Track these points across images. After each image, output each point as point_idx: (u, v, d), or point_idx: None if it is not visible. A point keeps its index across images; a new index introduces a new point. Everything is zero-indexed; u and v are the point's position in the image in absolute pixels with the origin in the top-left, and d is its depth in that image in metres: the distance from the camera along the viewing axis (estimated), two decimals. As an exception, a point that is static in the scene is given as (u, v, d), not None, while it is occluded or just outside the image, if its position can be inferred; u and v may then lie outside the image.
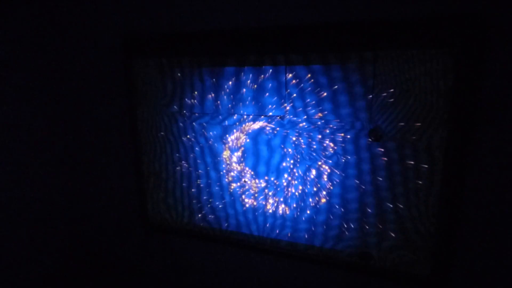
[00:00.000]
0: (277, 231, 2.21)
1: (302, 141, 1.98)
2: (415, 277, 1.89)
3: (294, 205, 2.11)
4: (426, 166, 1.71)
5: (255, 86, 2.02)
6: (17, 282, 2.48)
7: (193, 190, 2.41)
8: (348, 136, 1.85)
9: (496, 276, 1.72)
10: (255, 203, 2.23)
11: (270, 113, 2.02)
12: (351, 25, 1.69)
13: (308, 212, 2.08)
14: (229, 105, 2.12)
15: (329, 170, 1.95)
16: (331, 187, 1.97)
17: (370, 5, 1.64)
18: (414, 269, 1.89)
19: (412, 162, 1.74)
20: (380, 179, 1.83)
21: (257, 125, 2.09)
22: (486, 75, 1.51)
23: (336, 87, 1.81)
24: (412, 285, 1.91)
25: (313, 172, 2.00)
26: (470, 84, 1.52)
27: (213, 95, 2.15)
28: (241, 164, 2.21)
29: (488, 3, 1.44)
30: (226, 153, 2.23)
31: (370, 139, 1.80)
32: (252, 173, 2.19)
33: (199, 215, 2.44)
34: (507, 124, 1.52)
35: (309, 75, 1.87)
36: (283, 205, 2.15)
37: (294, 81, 1.91)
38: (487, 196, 1.64)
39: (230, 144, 2.20)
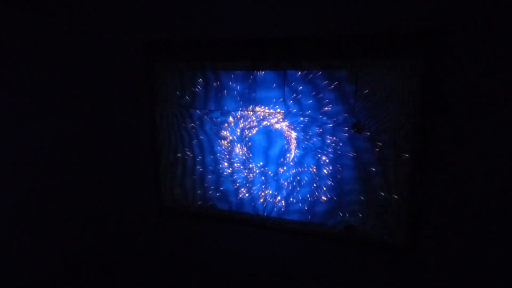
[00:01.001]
0: (276, 211, 2.59)
1: (296, 133, 2.37)
2: (391, 245, 2.28)
3: (290, 187, 2.50)
4: (398, 151, 2.11)
5: (259, 86, 2.40)
6: (46, 261, 2.85)
7: (202, 176, 2.78)
8: (336, 129, 2.25)
9: (459, 244, 2.12)
10: (254, 188, 2.62)
11: (271, 110, 2.41)
12: (338, 38, 2.08)
13: (303, 192, 2.47)
14: (236, 103, 2.51)
15: (321, 157, 2.35)
16: (325, 171, 2.36)
17: (352, 23, 2.04)
18: (390, 238, 2.28)
19: (388, 149, 2.14)
20: (362, 163, 2.23)
21: (260, 120, 2.47)
22: (444, 79, 1.91)
23: (326, 89, 2.21)
24: (388, 252, 2.30)
25: (309, 158, 2.39)
26: (431, 86, 1.93)
27: (223, 93, 2.53)
28: (247, 153, 2.60)
29: (445, 22, 1.85)
30: (229, 144, 2.62)
31: (353, 131, 2.19)
32: (253, 161, 2.58)
33: (209, 199, 2.81)
34: (461, 117, 1.93)
35: (304, 78, 2.26)
36: (282, 185, 2.54)
37: (292, 83, 2.30)
38: (448, 175, 2.04)
39: (237, 135, 2.58)
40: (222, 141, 2.65)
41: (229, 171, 2.69)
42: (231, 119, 2.57)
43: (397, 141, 2.10)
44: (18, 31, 2.44)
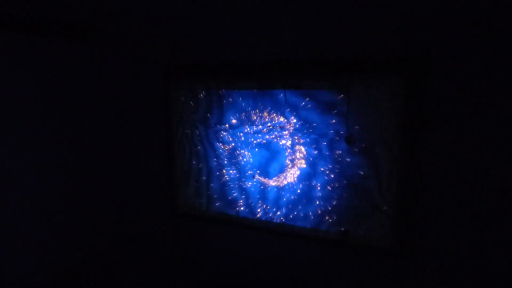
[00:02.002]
0: (280, 216, 2.84)
1: (296, 145, 2.64)
2: (383, 248, 2.47)
3: (292, 197, 2.75)
4: (386, 160, 2.34)
5: (263, 104, 2.70)
6: (67, 259, 3.18)
7: (213, 184, 3.07)
8: (330, 142, 2.50)
9: (447, 246, 2.29)
10: (259, 196, 2.88)
11: (275, 125, 2.69)
12: (332, 62, 2.37)
13: (302, 200, 2.71)
14: (242, 118, 2.81)
15: (318, 168, 2.60)
16: (321, 182, 2.61)
17: (345, 50, 2.32)
18: (381, 243, 2.47)
19: (378, 159, 2.37)
20: (354, 173, 2.46)
21: (264, 134, 2.76)
22: (423, 97, 2.15)
23: (322, 106, 2.48)
24: (380, 255, 2.50)
25: (307, 168, 2.65)
26: (412, 104, 2.17)
27: (233, 110, 2.84)
28: (253, 163, 2.88)
29: (424, 50, 2.11)
30: (238, 155, 2.90)
31: (347, 143, 2.44)
32: (258, 171, 2.85)
33: (219, 205, 3.09)
34: (441, 129, 2.16)
35: (303, 97, 2.54)
36: (283, 193, 2.79)
37: (292, 102, 2.59)
38: (435, 185, 2.25)
39: (244, 148, 2.87)
40: (231, 152, 2.94)
41: (237, 180, 2.96)
42: (239, 133, 2.86)
43: (385, 151, 2.33)
44: (51, 55, 2.90)
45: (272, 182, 2.81)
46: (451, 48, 2.07)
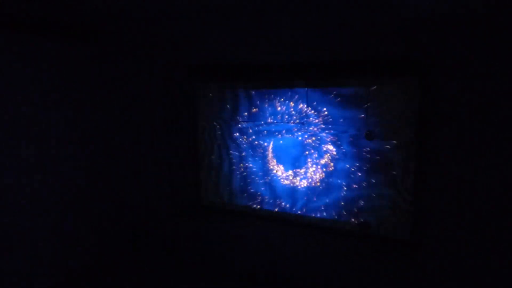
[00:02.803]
0: (301, 208, 2.99)
1: (318, 141, 2.81)
2: (399, 240, 2.60)
3: (313, 187, 2.90)
4: (403, 155, 2.49)
5: (286, 102, 2.89)
6: (97, 249, 3.40)
7: (236, 178, 3.25)
8: (350, 137, 2.67)
9: (460, 238, 2.41)
10: (283, 186, 3.04)
11: (294, 122, 2.87)
12: (352, 62, 2.56)
13: (323, 192, 2.86)
14: (266, 115, 3.00)
15: (340, 162, 2.76)
16: (341, 176, 2.77)
17: (365, 51, 2.51)
18: (397, 234, 2.60)
19: (395, 153, 2.52)
20: (371, 168, 2.61)
21: (287, 130, 2.94)
22: (434, 95, 2.31)
23: (344, 104, 2.65)
24: (396, 245, 2.62)
25: (327, 162, 2.81)
26: (427, 103, 2.33)
27: (256, 108, 3.03)
28: (273, 159, 3.05)
29: (437, 52, 2.27)
30: (261, 150, 3.08)
31: (366, 138, 2.60)
32: (282, 166, 3.02)
33: (242, 198, 3.26)
34: (450, 127, 2.31)
35: (325, 95, 2.73)
36: (304, 186, 2.95)
37: (314, 100, 2.77)
38: (446, 178, 2.39)
39: (268, 144, 3.05)
40: (254, 146, 3.12)
41: (260, 173, 3.13)
42: (262, 129, 3.05)
43: (402, 146, 2.48)
44: (82, 56, 3.12)
45: (294, 175, 2.98)
46: (463, 51, 2.23)
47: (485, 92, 2.21)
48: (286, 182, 3.02)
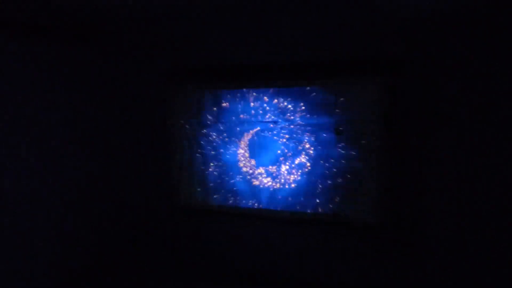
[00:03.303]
0: (277, 204, 3.15)
1: (290, 137, 2.98)
2: (369, 225, 2.86)
3: (287, 185, 3.08)
4: (370, 148, 2.73)
5: (259, 101, 3.02)
6: (71, 258, 3.32)
7: (211, 178, 3.34)
8: (321, 133, 2.87)
9: (423, 222, 2.71)
10: (257, 184, 3.18)
11: (270, 119, 3.01)
12: (324, 62, 2.75)
13: (297, 187, 3.05)
14: (239, 115, 3.11)
15: (308, 156, 2.95)
16: (311, 168, 2.96)
17: (334, 52, 2.70)
18: (368, 220, 2.86)
19: (363, 147, 2.76)
20: (343, 160, 2.84)
21: (261, 128, 3.07)
22: (402, 95, 2.57)
23: (313, 102, 2.84)
24: (368, 230, 2.89)
25: (300, 159, 2.99)
26: (392, 100, 2.58)
27: (229, 108, 3.13)
28: (247, 157, 3.18)
29: (402, 53, 2.53)
30: (234, 149, 3.20)
31: (336, 134, 2.81)
32: (254, 162, 3.16)
33: (216, 197, 3.35)
34: (413, 123, 2.58)
35: (296, 94, 2.89)
36: (278, 185, 3.11)
37: (286, 98, 2.93)
38: (411, 167, 2.67)
39: (242, 142, 3.17)
40: (229, 146, 3.22)
41: (234, 172, 3.25)
42: (237, 128, 3.16)
43: (369, 140, 2.72)
44: (65, 58, 3.09)
45: (269, 172, 3.13)
46: (429, 52, 2.51)
47: (456, 91, 2.50)
48: (262, 178, 3.16)
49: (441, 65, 2.49)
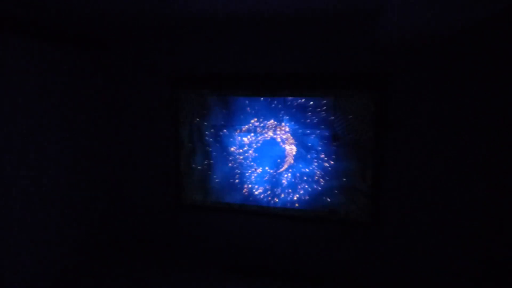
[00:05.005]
0: (277, 201, 3.40)
1: (291, 142, 3.22)
2: (360, 221, 3.15)
3: (285, 182, 3.32)
4: (364, 153, 3.00)
5: (261, 109, 3.24)
6: (73, 253, 3.47)
7: (215, 176, 3.55)
8: (320, 139, 3.12)
9: (411, 221, 3.02)
10: (258, 186, 3.42)
11: (272, 124, 3.24)
12: (323, 75, 2.99)
13: (296, 186, 3.30)
14: (242, 120, 3.33)
15: (310, 160, 3.20)
16: (312, 171, 3.21)
17: (329, 64, 2.94)
18: (361, 218, 3.15)
19: (357, 152, 3.02)
20: (336, 164, 3.11)
21: (264, 133, 3.30)
22: (391, 105, 2.84)
23: (312, 110, 3.08)
24: (360, 227, 3.17)
25: (300, 161, 3.24)
26: (382, 110, 2.85)
27: (233, 114, 3.34)
28: (253, 158, 3.40)
29: (390, 67, 2.79)
30: (238, 150, 3.41)
31: (333, 140, 3.07)
32: (255, 164, 3.39)
33: (218, 196, 3.57)
34: (403, 131, 2.87)
35: (298, 103, 3.12)
36: (281, 183, 3.36)
37: (288, 106, 3.16)
38: (399, 172, 2.96)
39: (246, 145, 3.38)
40: (230, 147, 3.44)
41: (236, 171, 3.47)
42: (240, 133, 3.37)
43: (363, 146, 2.99)
44: (71, 65, 3.26)
45: (271, 172, 3.37)
46: (416, 68, 2.79)
47: (429, 103, 2.81)
48: (263, 178, 3.40)
49: (424, 81, 2.80)
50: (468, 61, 2.71)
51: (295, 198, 3.33)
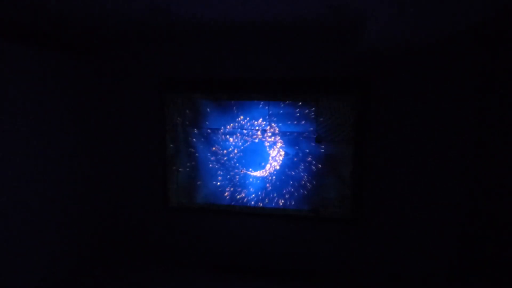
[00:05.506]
0: (263, 202, 3.48)
1: (275, 144, 3.30)
2: (344, 219, 3.29)
3: (271, 186, 3.41)
4: (345, 154, 3.13)
5: (246, 111, 3.30)
6: (71, 248, 3.48)
7: (202, 178, 3.59)
8: (304, 140, 3.22)
9: (390, 218, 3.18)
10: (244, 186, 3.49)
11: (257, 128, 3.31)
12: (305, 80, 3.08)
13: (282, 187, 3.39)
14: (228, 124, 3.38)
15: (294, 161, 3.30)
16: (296, 173, 3.31)
17: (312, 69, 3.04)
18: (342, 215, 3.28)
19: (339, 153, 3.14)
20: (319, 165, 3.22)
21: (249, 136, 3.36)
22: (371, 108, 2.98)
23: (296, 114, 3.17)
24: (342, 223, 3.31)
25: (284, 162, 3.33)
26: (363, 114, 2.98)
27: (219, 117, 3.38)
28: (237, 160, 3.46)
29: (370, 71, 2.92)
30: (222, 152, 3.47)
31: (316, 142, 3.17)
32: (240, 166, 3.45)
33: (204, 197, 3.61)
34: (383, 133, 3.01)
35: (283, 107, 3.21)
36: (266, 183, 3.44)
37: (273, 110, 3.24)
38: (379, 172, 3.10)
39: (231, 147, 3.44)
40: (216, 149, 3.48)
41: (222, 173, 3.52)
42: (226, 136, 3.42)
43: (344, 147, 3.12)
44: (59, 69, 3.21)
45: (256, 174, 3.44)
46: (395, 73, 2.92)
47: (408, 106, 2.96)
48: (248, 179, 3.47)
49: (404, 85, 2.94)
50: (444, 67, 2.87)
51: (280, 202, 3.42)
